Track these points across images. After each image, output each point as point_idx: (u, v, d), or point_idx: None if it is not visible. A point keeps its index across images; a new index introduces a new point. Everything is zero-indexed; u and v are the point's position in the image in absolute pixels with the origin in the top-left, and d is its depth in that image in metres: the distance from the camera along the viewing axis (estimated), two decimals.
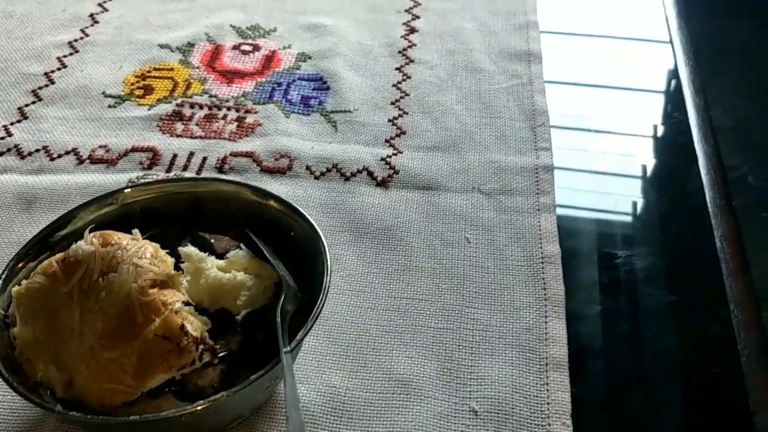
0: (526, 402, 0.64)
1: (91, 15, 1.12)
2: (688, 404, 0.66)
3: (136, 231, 0.60)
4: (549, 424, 0.63)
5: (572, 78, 1.02)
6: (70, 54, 1.05)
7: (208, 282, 0.60)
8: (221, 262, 0.63)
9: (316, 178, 0.86)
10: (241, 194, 0.70)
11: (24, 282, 0.60)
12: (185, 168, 0.87)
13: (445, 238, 0.78)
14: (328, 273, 0.62)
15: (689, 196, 0.84)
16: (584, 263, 0.77)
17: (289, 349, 0.56)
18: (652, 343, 0.70)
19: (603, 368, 0.68)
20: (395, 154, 0.88)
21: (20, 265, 0.64)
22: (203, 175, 0.86)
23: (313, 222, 0.66)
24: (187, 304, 0.58)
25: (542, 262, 0.75)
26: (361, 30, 1.08)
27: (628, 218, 0.82)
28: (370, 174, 0.86)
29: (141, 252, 0.57)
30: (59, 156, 0.90)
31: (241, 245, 0.65)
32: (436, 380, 0.66)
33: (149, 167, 0.88)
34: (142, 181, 0.83)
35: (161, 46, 1.06)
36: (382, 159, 0.88)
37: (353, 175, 0.86)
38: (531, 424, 0.63)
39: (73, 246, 0.57)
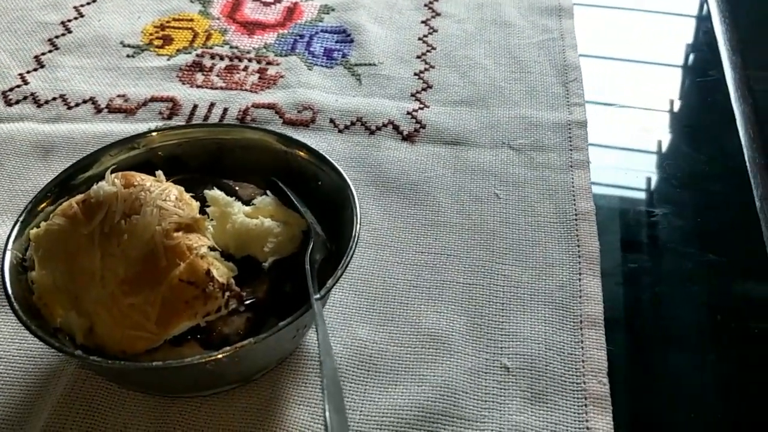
0: (561, 359, 0.62)
1: None
2: (728, 364, 0.64)
3: (159, 173, 0.57)
4: (585, 382, 0.60)
5: (603, 36, 0.99)
6: (88, 4, 1.03)
7: (235, 227, 0.58)
8: (248, 209, 0.61)
9: (340, 131, 0.83)
10: (266, 142, 0.67)
11: (43, 224, 0.57)
12: (206, 119, 0.85)
13: (473, 193, 0.76)
14: (358, 221, 0.59)
15: (727, 156, 0.81)
16: (618, 222, 0.74)
17: (319, 295, 0.53)
18: (691, 303, 0.68)
19: (638, 327, 0.66)
20: (421, 108, 0.86)
21: (39, 208, 0.62)
22: None
23: (342, 171, 0.64)
24: (212, 249, 0.56)
25: (576, 219, 0.72)
26: None
27: (664, 177, 0.79)
28: (396, 128, 0.83)
29: (165, 194, 0.55)
30: (77, 105, 0.87)
31: (268, 192, 0.63)
32: (466, 336, 0.64)
33: (169, 117, 0.85)
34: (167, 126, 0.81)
35: None
36: (408, 113, 0.85)
37: (378, 128, 0.83)
38: (566, 381, 0.61)
39: (95, 186, 0.55)
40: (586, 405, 0.59)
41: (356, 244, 0.58)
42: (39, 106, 0.87)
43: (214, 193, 0.59)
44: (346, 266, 0.56)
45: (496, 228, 0.72)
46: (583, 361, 0.62)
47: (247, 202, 0.62)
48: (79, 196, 0.56)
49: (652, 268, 0.71)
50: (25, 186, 0.78)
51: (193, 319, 0.53)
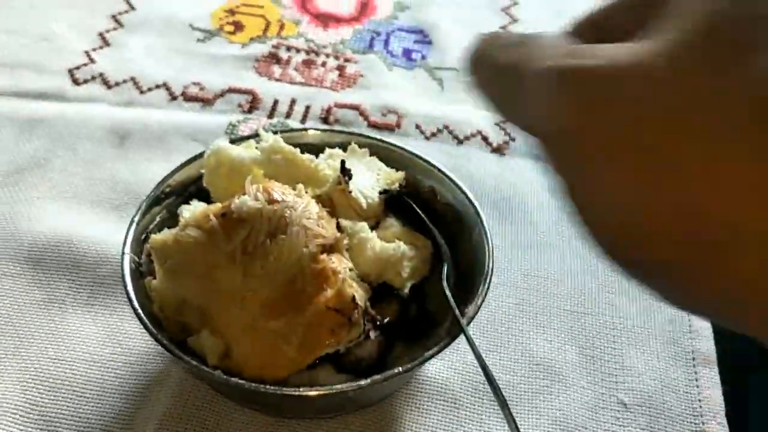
0: (677, 398, 0.61)
1: None
2: None
3: (300, 186, 0.54)
4: (703, 423, 0.60)
5: None
6: None
7: (375, 252, 0.55)
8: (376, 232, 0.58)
9: (427, 138, 0.81)
10: (380, 149, 0.65)
11: (168, 232, 0.54)
12: (288, 115, 0.82)
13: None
14: (490, 248, 0.57)
15: None
16: None
17: (466, 321, 0.52)
18: None
19: (750, 367, 0.65)
20: None
21: (153, 209, 0.59)
22: (308, 124, 0.81)
23: (466, 189, 0.62)
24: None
25: None
26: None
27: None
28: (485, 139, 0.81)
29: (308, 211, 0.52)
30: (149, 89, 0.84)
31: (389, 213, 0.61)
32: (579, 367, 0.63)
33: (249, 111, 0.82)
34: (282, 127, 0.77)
35: None
36: (496, 124, 0.83)
37: (467, 138, 0.81)
38: (684, 421, 0.60)
39: (236, 201, 0.51)
40: None
41: (493, 269, 0.56)
42: (109, 87, 0.84)
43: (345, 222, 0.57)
44: (485, 295, 0.54)
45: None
46: (699, 401, 0.61)
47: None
48: (216, 207, 0.53)
49: None
50: (102, 174, 0.75)
51: (335, 347, 0.50)
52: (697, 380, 0.62)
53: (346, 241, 0.54)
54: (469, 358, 0.62)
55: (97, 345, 0.62)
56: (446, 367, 0.62)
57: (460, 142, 0.81)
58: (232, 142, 0.61)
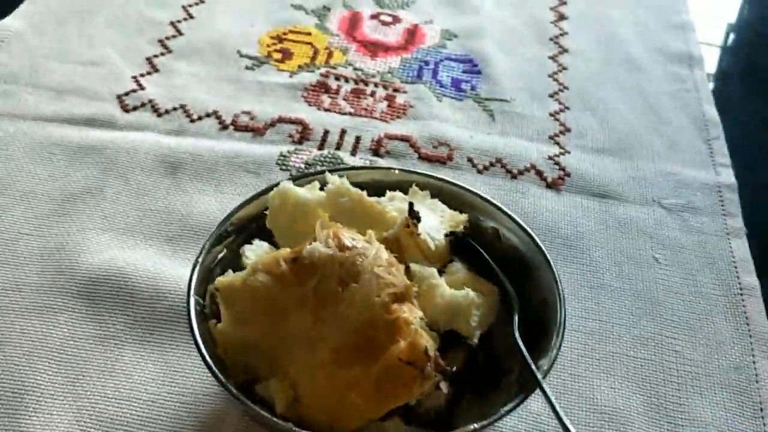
0: None
1: None
2: None
3: (371, 232, 0.53)
4: None
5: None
6: (196, 4, 0.98)
7: (445, 300, 0.54)
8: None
9: (479, 172, 0.80)
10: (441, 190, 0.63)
11: (234, 275, 0.53)
12: (338, 147, 0.81)
13: (631, 255, 0.73)
14: (561, 290, 0.56)
15: None
16: None
17: (542, 376, 0.51)
18: None
19: None
20: (563, 154, 0.82)
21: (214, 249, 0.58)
22: (359, 156, 0.80)
23: (531, 231, 0.60)
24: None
25: (741, 294, 0.70)
26: (504, 9, 1.02)
27: None
28: (539, 174, 0.80)
29: (379, 258, 0.51)
30: (199, 118, 0.83)
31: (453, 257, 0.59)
32: (644, 417, 0.61)
33: (299, 141, 0.81)
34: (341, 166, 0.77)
35: (295, 7, 0.99)
36: (550, 158, 0.82)
37: (520, 172, 0.80)
38: None
39: (308, 247, 0.50)
40: None
41: (565, 322, 0.55)
42: (159, 115, 0.83)
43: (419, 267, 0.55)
44: (560, 347, 0.53)
45: (660, 297, 0.69)
46: None
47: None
48: (285, 252, 0.52)
49: None
50: (154, 205, 0.74)
51: (407, 399, 0.49)
52: None
53: (415, 288, 0.53)
54: (533, 408, 0.61)
55: (153, 383, 0.61)
56: (510, 416, 0.60)
57: (513, 176, 0.79)
58: (295, 180, 0.60)
